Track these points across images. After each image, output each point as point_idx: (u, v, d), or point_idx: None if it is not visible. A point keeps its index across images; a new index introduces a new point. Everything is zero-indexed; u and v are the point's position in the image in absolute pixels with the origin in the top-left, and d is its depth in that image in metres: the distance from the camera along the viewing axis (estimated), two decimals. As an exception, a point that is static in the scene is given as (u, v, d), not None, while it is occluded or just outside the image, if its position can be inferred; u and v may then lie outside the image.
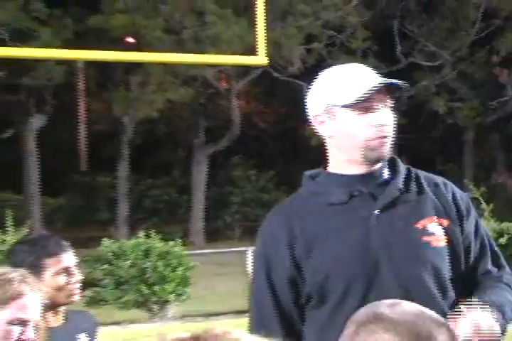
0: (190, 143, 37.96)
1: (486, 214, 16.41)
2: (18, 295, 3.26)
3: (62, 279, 3.98)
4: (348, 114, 3.22)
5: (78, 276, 4.07)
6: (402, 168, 3.39)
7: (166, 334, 1.01)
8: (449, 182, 3.51)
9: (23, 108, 34.39)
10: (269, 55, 10.13)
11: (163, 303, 15.94)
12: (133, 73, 33.39)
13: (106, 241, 16.14)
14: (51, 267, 3.97)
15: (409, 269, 3.20)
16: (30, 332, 3.24)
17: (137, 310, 15.61)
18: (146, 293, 15.65)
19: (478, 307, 3.11)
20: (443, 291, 3.24)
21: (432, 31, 35.52)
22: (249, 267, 17.13)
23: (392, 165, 3.38)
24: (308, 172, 3.42)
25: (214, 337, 0.99)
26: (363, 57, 35.23)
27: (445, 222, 3.32)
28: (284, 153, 40.62)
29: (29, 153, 34.57)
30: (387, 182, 3.32)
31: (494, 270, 3.44)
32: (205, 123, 37.46)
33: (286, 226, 3.20)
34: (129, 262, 15.70)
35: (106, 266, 15.52)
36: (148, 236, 16.36)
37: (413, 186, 3.37)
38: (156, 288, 15.73)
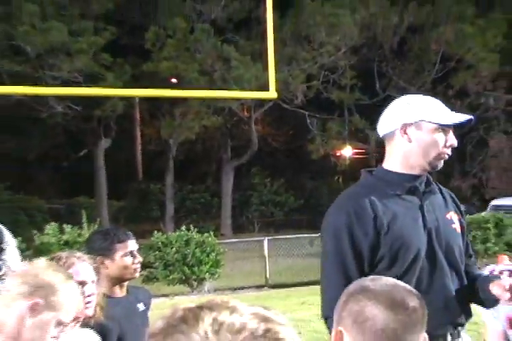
0: (220, 158, 37.98)
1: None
2: (70, 265, 3.36)
3: (128, 260, 4.05)
4: (435, 131, 3.30)
5: (139, 258, 4.14)
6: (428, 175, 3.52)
7: (179, 304, 1.05)
8: (453, 194, 3.69)
9: (95, 133, 34.54)
10: (278, 90, 10.14)
11: (201, 280, 15.95)
12: (176, 106, 33.42)
13: (156, 234, 16.20)
14: (120, 250, 4.04)
15: (449, 247, 3.33)
16: (88, 289, 3.39)
17: (181, 286, 15.65)
18: (187, 272, 15.65)
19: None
20: (462, 262, 3.40)
21: (402, 72, 35.40)
22: (265, 252, 17.16)
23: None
24: (366, 169, 3.53)
25: (215, 305, 1.04)
26: (350, 92, 35.31)
27: (458, 216, 3.51)
28: (292, 165, 40.43)
29: (99, 167, 34.79)
30: (427, 183, 3.43)
31: (473, 255, 3.64)
32: (231, 143, 37.45)
33: (370, 208, 3.21)
34: (174, 249, 15.72)
35: (157, 253, 15.55)
36: (188, 229, 16.37)
37: (438, 188, 3.53)
38: (195, 269, 15.73)
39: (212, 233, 16.81)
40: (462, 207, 3.68)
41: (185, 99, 30.93)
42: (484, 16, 33.16)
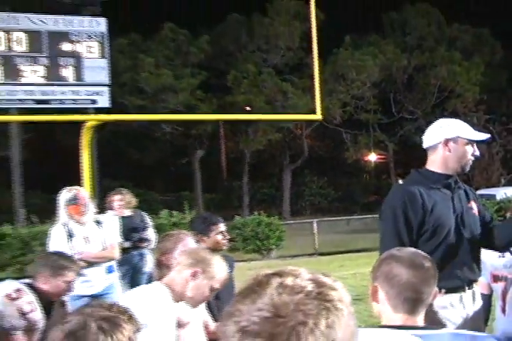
0: (281, 163, 37.75)
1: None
2: (180, 240, 3.29)
3: (219, 237, 4.05)
4: (466, 144, 3.39)
5: (227, 236, 4.14)
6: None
7: (260, 270, 1.05)
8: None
9: (192, 146, 34.75)
10: (322, 114, 10.14)
11: (269, 250, 15.91)
12: (249, 126, 33.47)
13: (237, 218, 16.24)
14: (214, 231, 4.03)
15: (469, 226, 3.38)
16: None
17: (254, 254, 15.65)
18: (259, 244, 15.63)
19: None
20: (477, 235, 3.42)
21: (410, 99, 35.16)
22: (315, 230, 17.11)
23: None
24: (415, 169, 3.56)
25: (284, 272, 1.01)
26: (374, 114, 35.09)
27: (476, 204, 3.55)
28: (332, 167, 40.19)
29: (195, 170, 34.95)
30: (456, 181, 3.48)
31: (491, 216, 3.68)
32: (288, 152, 37.34)
33: (419, 195, 3.27)
34: (249, 228, 15.73)
35: (237, 231, 15.53)
36: (259, 214, 16.41)
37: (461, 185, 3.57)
38: (264, 242, 15.71)
39: (276, 217, 16.83)
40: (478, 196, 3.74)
41: (255, 121, 31.03)
42: (467, 60, 33.83)
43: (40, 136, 30.21)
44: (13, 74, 19.33)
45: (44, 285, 3.50)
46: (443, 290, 2.45)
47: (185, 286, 2.82)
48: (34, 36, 19.58)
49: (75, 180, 7.54)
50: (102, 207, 7.03)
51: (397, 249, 2.32)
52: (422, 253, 2.30)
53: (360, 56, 32.96)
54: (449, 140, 3.38)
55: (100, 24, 20.43)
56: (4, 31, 19.34)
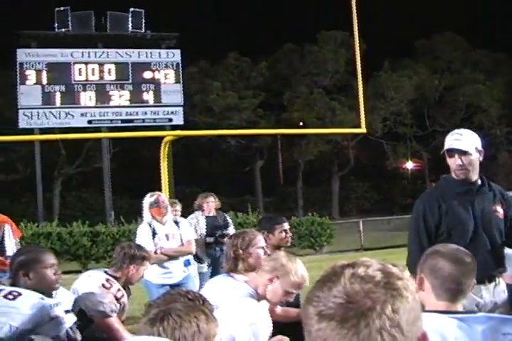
0: (330, 171, 37.46)
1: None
2: (253, 238, 3.19)
3: (283, 235, 3.97)
4: (450, 156, 3.19)
5: (289, 234, 4.04)
6: (485, 179, 3.34)
7: (335, 263, 1.04)
8: (502, 189, 3.46)
9: (253, 157, 34.96)
10: (366, 127, 10.08)
11: (321, 246, 15.79)
12: (303, 138, 33.36)
13: (293, 218, 16.08)
14: (278, 229, 3.94)
15: (489, 227, 3.20)
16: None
17: (309, 249, 15.52)
18: (312, 241, 15.53)
19: None
20: (500, 238, 3.23)
21: (442, 114, 34.80)
22: (361, 228, 16.93)
23: (481, 178, 3.31)
24: (443, 176, 3.38)
25: (357, 263, 1.01)
26: (410, 128, 34.77)
27: (504, 206, 3.30)
28: (375, 174, 39.74)
29: (257, 177, 35.06)
30: (480, 186, 3.28)
31: None
32: (337, 161, 37.12)
33: (437, 200, 3.18)
34: (304, 227, 15.63)
35: (293, 230, 15.32)
36: (312, 215, 16.28)
37: (489, 188, 3.33)
38: (317, 239, 15.59)
39: (327, 217, 16.69)
40: (508, 199, 3.42)
41: (308, 135, 30.95)
42: (490, 80, 33.89)
43: (126, 150, 30.80)
44: (104, 98, 19.89)
45: (117, 274, 3.52)
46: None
47: (264, 289, 2.87)
48: (121, 67, 20.12)
49: (155, 187, 7.66)
50: (187, 208, 7.12)
51: (442, 246, 2.31)
52: (463, 249, 2.27)
53: (398, 77, 32.97)
54: (444, 153, 3.26)
55: (175, 55, 20.87)
56: (98, 64, 19.95)
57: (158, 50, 20.92)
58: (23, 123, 18.63)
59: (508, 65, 35.14)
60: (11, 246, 4.97)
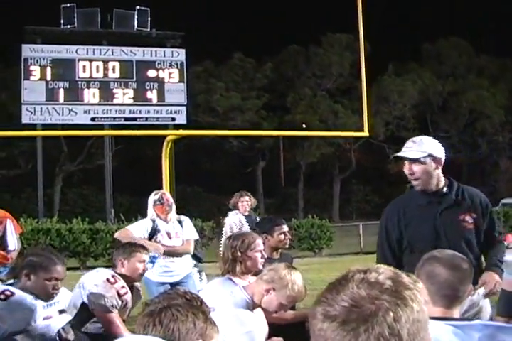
0: (332, 173, 37.35)
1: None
2: (253, 240, 3.17)
3: (282, 237, 3.95)
4: (403, 164, 3.06)
5: (289, 235, 4.03)
6: (454, 184, 3.11)
7: (349, 267, 1.04)
8: (480, 194, 3.20)
9: (255, 158, 35.00)
10: (369, 131, 10.06)
11: (320, 249, 15.79)
12: (305, 140, 33.40)
13: (293, 220, 16.07)
14: (277, 231, 3.93)
15: (455, 240, 2.98)
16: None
17: (308, 252, 15.52)
18: (312, 244, 15.53)
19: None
20: (471, 250, 3.01)
21: (445, 120, 34.93)
22: (361, 231, 16.91)
23: (449, 183, 3.10)
24: (409, 185, 3.18)
25: (369, 270, 1.02)
26: (413, 132, 34.57)
27: (474, 215, 3.06)
28: (376, 177, 39.75)
29: (258, 178, 35.05)
30: (445, 194, 3.06)
31: (495, 236, 3.19)
32: (338, 164, 37.14)
33: (397, 213, 3.07)
34: (303, 229, 15.61)
35: (293, 231, 15.36)
36: (312, 217, 16.27)
37: (459, 195, 3.10)
38: (316, 241, 15.58)
39: (327, 220, 16.67)
40: (484, 205, 3.17)
41: (310, 137, 30.95)
42: (494, 86, 34.16)
43: (128, 148, 30.83)
44: (107, 96, 19.91)
45: (122, 270, 3.54)
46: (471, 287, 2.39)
47: (260, 298, 2.87)
48: (126, 65, 20.14)
49: (156, 185, 7.64)
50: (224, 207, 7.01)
51: (438, 251, 2.28)
52: (461, 255, 2.26)
53: (402, 82, 33.14)
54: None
55: (180, 54, 20.90)
56: (103, 61, 19.98)
57: (163, 49, 20.95)
58: (26, 118, 18.68)
59: (512, 71, 35.45)
60: (13, 241, 4.97)
